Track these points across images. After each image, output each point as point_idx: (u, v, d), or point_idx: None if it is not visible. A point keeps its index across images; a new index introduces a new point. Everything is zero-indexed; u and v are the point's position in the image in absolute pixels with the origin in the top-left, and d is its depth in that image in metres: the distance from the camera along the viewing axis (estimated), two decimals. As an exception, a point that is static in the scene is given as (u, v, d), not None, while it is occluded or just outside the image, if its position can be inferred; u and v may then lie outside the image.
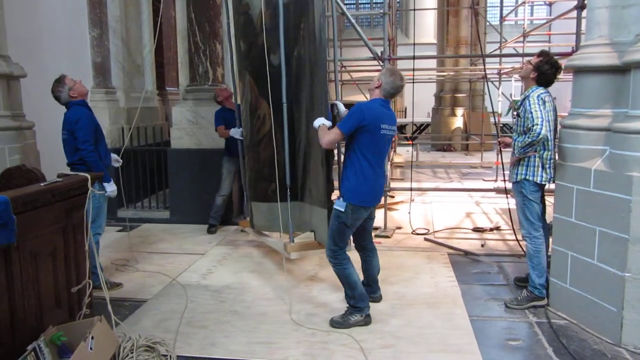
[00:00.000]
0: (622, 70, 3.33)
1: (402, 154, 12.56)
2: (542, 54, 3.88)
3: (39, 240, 2.92)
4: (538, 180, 3.79)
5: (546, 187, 3.93)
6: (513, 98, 9.12)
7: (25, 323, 2.82)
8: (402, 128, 17.46)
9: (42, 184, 2.96)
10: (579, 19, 6.17)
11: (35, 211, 2.84)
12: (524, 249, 4.28)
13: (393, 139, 3.73)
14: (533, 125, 3.60)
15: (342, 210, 3.46)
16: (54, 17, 6.01)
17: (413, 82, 7.20)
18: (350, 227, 3.55)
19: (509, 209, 5.33)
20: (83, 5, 6.55)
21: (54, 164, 4.42)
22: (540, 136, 3.59)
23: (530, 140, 3.63)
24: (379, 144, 3.48)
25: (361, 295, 3.61)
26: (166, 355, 3.10)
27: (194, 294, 4.21)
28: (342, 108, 3.87)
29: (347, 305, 3.65)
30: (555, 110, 3.86)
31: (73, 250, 3.19)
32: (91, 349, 2.69)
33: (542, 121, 3.59)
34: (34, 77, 4.91)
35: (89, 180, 3.17)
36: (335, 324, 3.58)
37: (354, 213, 3.48)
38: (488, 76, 11.81)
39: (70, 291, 3.17)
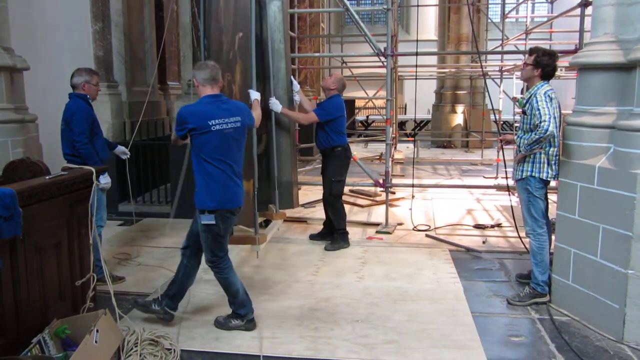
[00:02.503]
0: (627, 68, 3.33)
1: (402, 150, 12.58)
2: (534, 50, 3.90)
3: (44, 233, 2.92)
4: (544, 176, 3.80)
5: (550, 184, 3.94)
6: (519, 96, 9.09)
7: (30, 316, 2.83)
8: (402, 124, 17.47)
9: (47, 177, 2.96)
10: (582, 16, 6.17)
11: (40, 204, 2.84)
12: (527, 246, 4.29)
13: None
14: (540, 122, 3.61)
15: (214, 223, 3.28)
16: (57, 10, 5.99)
17: (416, 79, 7.18)
18: (224, 236, 3.40)
19: (511, 206, 5.36)
20: (86, -3, 6.56)
21: (55, 157, 4.41)
22: (548, 133, 3.59)
23: (537, 137, 3.63)
24: (217, 143, 3.24)
25: (242, 302, 3.49)
26: (170, 349, 3.11)
27: (196, 288, 4.20)
28: (252, 96, 3.93)
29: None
30: (559, 106, 3.86)
31: (77, 244, 3.19)
32: (96, 342, 2.70)
33: (549, 118, 3.60)
34: (36, 70, 4.90)
35: (94, 174, 3.17)
36: (217, 324, 3.51)
37: (223, 221, 3.32)
38: (489, 73, 11.88)
39: (74, 284, 3.18)
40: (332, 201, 5.30)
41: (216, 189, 3.26)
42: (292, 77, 5.25)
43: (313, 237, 5.53)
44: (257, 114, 3.80)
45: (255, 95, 4.05)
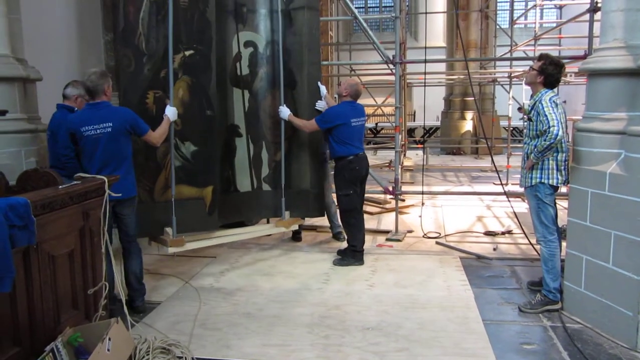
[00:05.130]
0: (637, 73, 3.32)
1: (411, 157, 12.55)
2: (542, 57, 3.89)
3: (57, 242, 2.95)
4: (554, 182, 3.79)
5: (560, 190, 3.92)
6: (523, 103, 9.09)
7: (43, 324, 2.85)
8: (411, 131, 17.46)
9: (60, 187, 2.99)
10: (591, 22, 6.16)
11: (54, 213, 2.87)
12: (538, 253, 4.27)
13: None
14: (549, 128, 3.60)
15: None
16: (69, 21, 6.07)
17: (424, 86, 7.19)
18: None
19: (515, 212, 5.36)
20: (97, 10, 6.62)
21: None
22: (558, 138, 3.58)
23: (548, 143, 3.62)
24: (88, 147, 3.66)
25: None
26: (181, 357, 3.12)
27: (207, 296, 4.23)
28: (167, 112, 4.15)
29: None
30: (565, 113, 3.84)
31: (90, 253, 3.21)
32: (108, 350, 2.72)
33: (557, 123, 3.60)
34: (49, 81, 4.96)
35: (106, 183, 3.20)
36: None
37: None
38: (499, 80, 11.85)
39: (87, 293, 3.20)
40: (344, 216, 5.06)
41: None
42: (319, 83, 5.17)
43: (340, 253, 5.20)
44: (160, 129, 4.01)
45: (167, 110, 4.17)
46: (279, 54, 4.95)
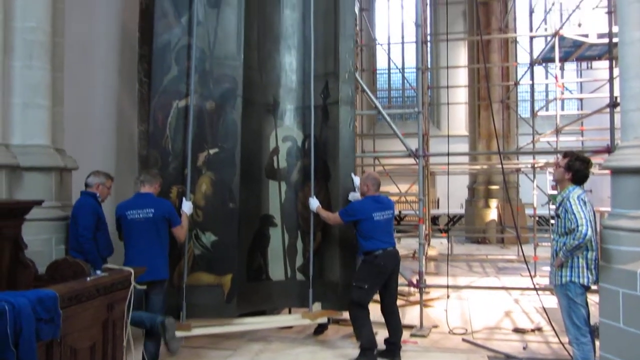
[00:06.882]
0: (661, 172, 3.33)
1: (435, 246, 12.36)
2: (568, 154, 3.93)
3: (80, 335, 2.95)
4: (584, 282, 3.69)
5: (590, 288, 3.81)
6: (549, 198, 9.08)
7: (60, 421, 2.79)
8: (435, 219, 17.35)
9: (88, 279, 3.04)
10: (612, 116, 6.26)
11: (80, 305, 2.90)
12: (570, 354, 4.08)
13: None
14: (578, 227, 3.57)
15: None
16: (109, 112, 6.36)
17: (447, 175, 7.27)
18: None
19: (544, 308, 5.18)
20: (134, 101, 6.95)
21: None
22: (587, 237, 3.54)
23: (577, 242, 3.57)
24: (130, 228, 4.34)
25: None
26: None
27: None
28: (184, 207, 4.66)
29: None
30: (593, 210, 3.82)
31: (111, 346, 3.20)
32: None
33: (586, 222, 3.56)
34: (84, 169, 5.10)
35: (132, 275, 3.24)
36: None
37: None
38: (522, 169, 11.89)
39: (105, 387, 3.15)
40: (350, 307, 4.80)
41: (126, 262, 4.17)
42: (352, 174, 5.26)
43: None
44: (181, 227, 4.49)
45: (183, 206, 4.68)
46: (315, 146, 5.17)
